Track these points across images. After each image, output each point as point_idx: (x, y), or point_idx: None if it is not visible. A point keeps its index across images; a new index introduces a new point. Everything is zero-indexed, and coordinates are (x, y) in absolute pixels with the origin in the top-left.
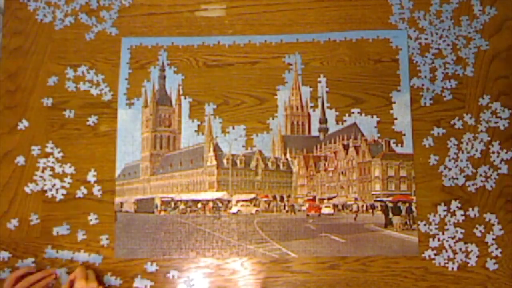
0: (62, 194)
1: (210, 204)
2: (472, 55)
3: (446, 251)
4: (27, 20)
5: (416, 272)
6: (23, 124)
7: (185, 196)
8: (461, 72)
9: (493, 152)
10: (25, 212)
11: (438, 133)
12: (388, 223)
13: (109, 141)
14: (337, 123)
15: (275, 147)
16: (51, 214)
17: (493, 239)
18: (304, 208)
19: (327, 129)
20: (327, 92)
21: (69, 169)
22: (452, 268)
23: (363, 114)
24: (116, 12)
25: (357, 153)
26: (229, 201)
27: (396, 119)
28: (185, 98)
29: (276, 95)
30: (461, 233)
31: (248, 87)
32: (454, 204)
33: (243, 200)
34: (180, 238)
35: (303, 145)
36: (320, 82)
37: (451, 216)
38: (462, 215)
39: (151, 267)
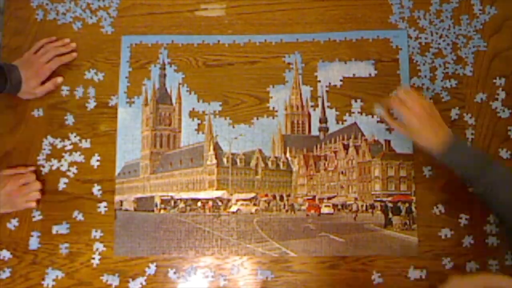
0: (62, 194)
1: (210, 203)
2: (472, 54)
3: None
4: (27, 19)
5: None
6: (24, 123)
7: (185, 195)
8: (461, 72)
9: (493, 152)
10: (25, 212)
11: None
12: (388, 223)
13: (109, 141)
14: (337, 123)
15: (275, 146)
16: (51, 214)
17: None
18: (303, 207)
19: (327, 129)
20: (327, 91)
21: (69, 168)
22: (452, 268)
23: (364, 114)
24: (116, 11)
25: (357, 152)
26: (228, 200)
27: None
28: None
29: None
30: None
31: (248, 87)
32: (454, 204)
33: (242, 199)
34: (179, 237)
35: (303, 145)
36: (319, 81)
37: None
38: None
39: (150, 266)
